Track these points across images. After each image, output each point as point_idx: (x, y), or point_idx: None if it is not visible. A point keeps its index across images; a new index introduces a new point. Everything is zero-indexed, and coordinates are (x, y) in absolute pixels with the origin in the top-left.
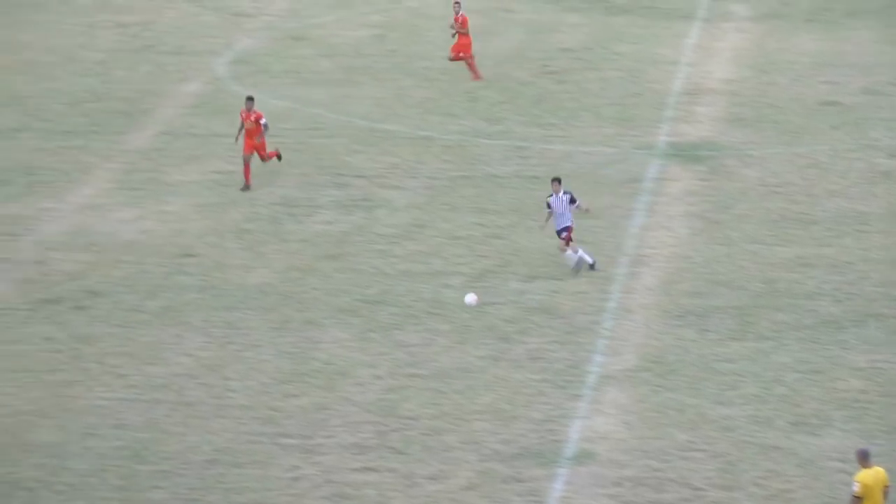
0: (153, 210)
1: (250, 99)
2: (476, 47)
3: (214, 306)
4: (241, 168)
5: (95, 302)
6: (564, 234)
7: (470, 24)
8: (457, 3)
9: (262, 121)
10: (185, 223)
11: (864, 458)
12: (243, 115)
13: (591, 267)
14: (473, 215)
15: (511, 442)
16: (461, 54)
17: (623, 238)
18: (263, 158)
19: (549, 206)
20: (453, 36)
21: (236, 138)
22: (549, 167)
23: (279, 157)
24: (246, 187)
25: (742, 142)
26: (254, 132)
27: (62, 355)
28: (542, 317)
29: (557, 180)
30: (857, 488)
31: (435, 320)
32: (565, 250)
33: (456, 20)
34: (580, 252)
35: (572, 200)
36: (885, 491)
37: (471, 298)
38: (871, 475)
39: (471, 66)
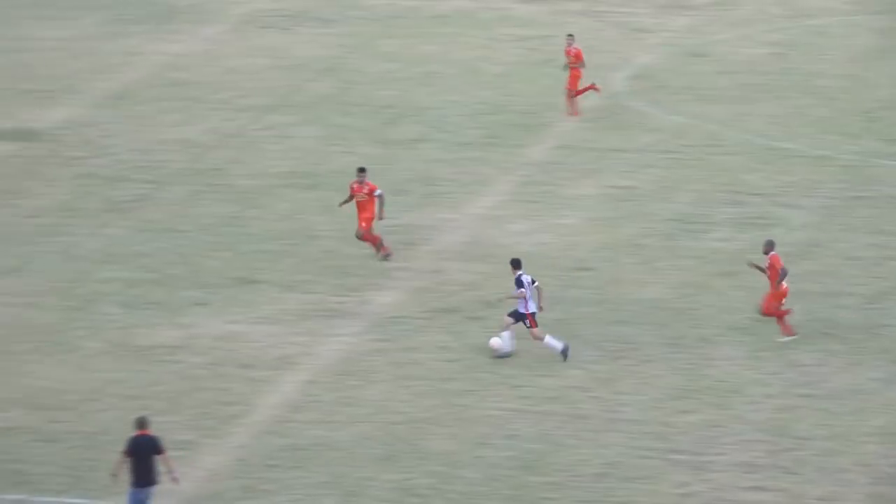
0: (549, 223)
1: (362, 171)
2: (877, 67)
3: (608, 320)
4: (634, 182)
5: (490, 312)
6: (529, 321)
7: (584, 57)
8: (570, 35)
9: (377, 192)
10: (581, 237)
11: None
12: (354, 187)
13: (505, 354)
14: (870, 236)
15: None
16: (576, 87)
17: None
18: (366, 234)
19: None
20: (564, 69)
21: (341, 204)
22: None
23: (385, 254)
24: (386, 256)
25: None
26: (367, 205)
27: (457, 364)
28: None
29: (512, 263)
30: None
31: (829, 340)
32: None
33: (568, 53)
34: (507, 339)
35: (517, 284)
36: None
37: (497, 342)
38: None
39: (570, 101)
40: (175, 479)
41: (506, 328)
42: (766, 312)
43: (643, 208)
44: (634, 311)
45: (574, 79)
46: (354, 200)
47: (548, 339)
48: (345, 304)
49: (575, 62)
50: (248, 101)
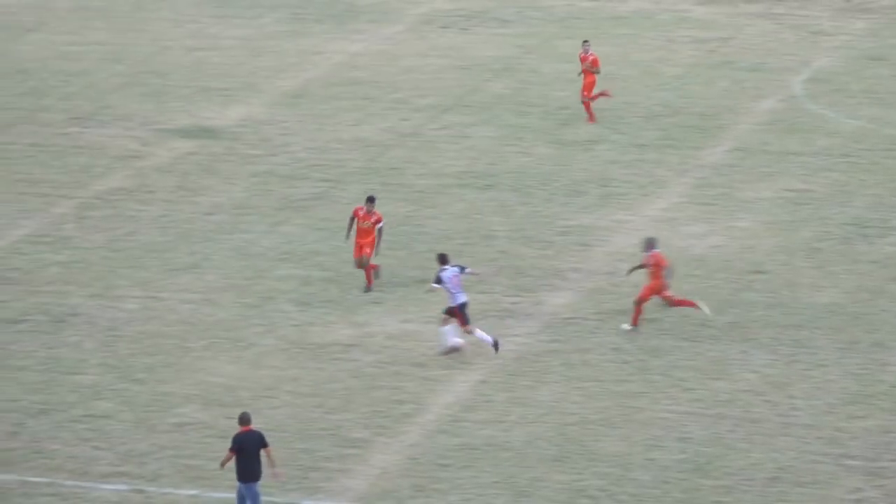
0: (724, 226)
1: (371, 200)
2: None
3: (782, 324)
4: (806, 186)
5: (664, 315)
6: (457, 316)
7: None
8: (586, 41)
9: (380, 225)
10: (756, 240)
11: None
12: (361, 214)
13: (453, 348)
14: None
15: None
16: (585, 94)
17: None
18: (367, 266)
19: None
20: (579, 75)
21: (346, 235)
22: None
23: (376, 275)
24: (368, 289)
25: None
26: (371, 232)
27: (629, 366)
28: None
29: (437, 257)
30: None
31: None
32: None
33: (584, 59)
34: (449, 335)
35: (435, 280)
36: None
37: (455, 341)
38: None
39: (586, 107)
40: (277, 475)
41: (443, 324)
42: (642, 299)
43: (819, 212)
44: (809, 315)
45: (590, 85)
46: (356, 226)
47: (478, 332)
48: (518, 305)
49: (592, 68)
50: (424, 101)
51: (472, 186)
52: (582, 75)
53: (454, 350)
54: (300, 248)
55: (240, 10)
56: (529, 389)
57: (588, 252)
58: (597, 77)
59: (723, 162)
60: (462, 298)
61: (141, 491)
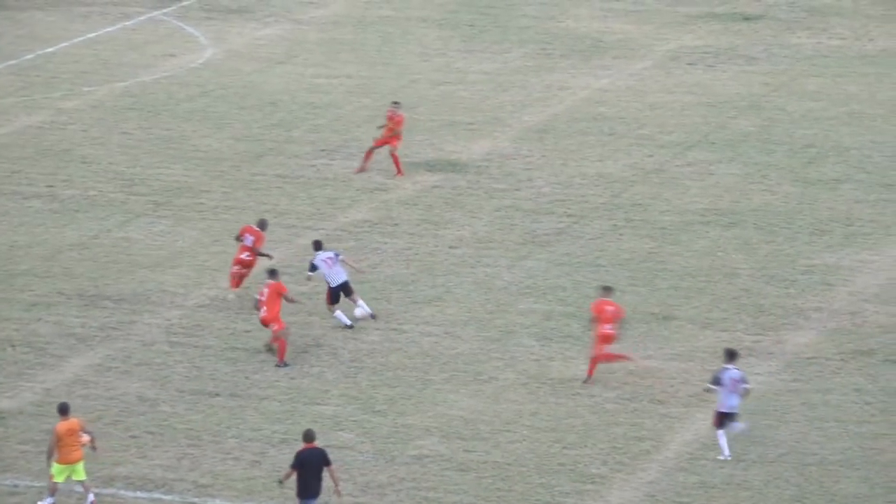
0: None
1: (273, 272)
2: None
3: None
4: None
5: None
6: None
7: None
8: (396, 103)
9: (287, 294)
10: None
11: None
12: (269, 290)
13: (350, 326)
14: None
15: None
16: (376, 146)
17: None
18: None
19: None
20: (378, 129)
21: (256, 307)
22: None
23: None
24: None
25: None
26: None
27: (871, 407)
28: None
29: (312, 244)
30: None
31: None
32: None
33: (390, 118)
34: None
35: (310, 268)
36: None
37: (360, 311)
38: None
39: (367, 156)
40: (338, 492)
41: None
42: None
43: None
44: None
45: (385, 141)
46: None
47: (338, 313)
48: (760, 343)
49: (396, 128)
50: (669, 138)
51: (715, 224)
52: (383, 129)
53: (363, 318)
54: (542, 283)
55: (487, 45)
56: (769, 429)
57: (831, 292)
58: (395, 137)
59: None
60: (341, 279)
61: None
